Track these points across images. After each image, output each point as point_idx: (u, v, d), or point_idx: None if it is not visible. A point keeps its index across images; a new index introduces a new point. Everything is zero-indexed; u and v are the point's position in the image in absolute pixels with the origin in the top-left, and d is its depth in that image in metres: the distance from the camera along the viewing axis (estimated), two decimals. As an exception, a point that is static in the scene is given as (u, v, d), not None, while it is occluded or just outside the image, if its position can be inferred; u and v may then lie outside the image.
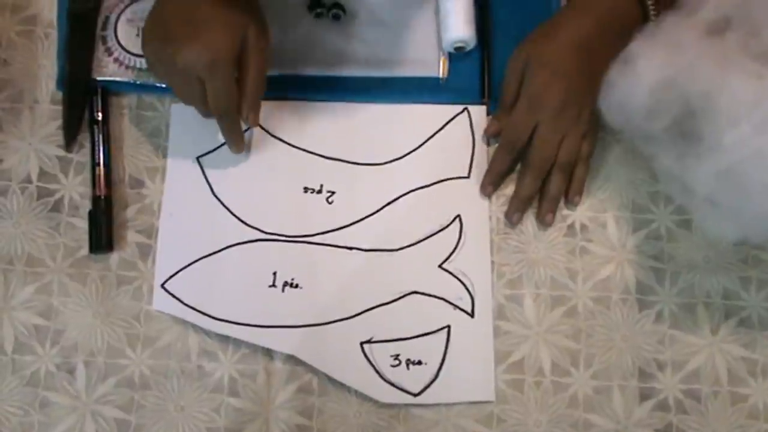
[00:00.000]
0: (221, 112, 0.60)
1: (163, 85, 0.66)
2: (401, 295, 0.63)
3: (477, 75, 0.67)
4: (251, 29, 0.58)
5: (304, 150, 0.66)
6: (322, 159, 0.66)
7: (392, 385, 0.61)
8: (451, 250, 0.64)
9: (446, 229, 0.64)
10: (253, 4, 0.59)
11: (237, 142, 0.63)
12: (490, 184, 0.65)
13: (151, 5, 0.59)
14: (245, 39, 0.57)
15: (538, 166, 0.63)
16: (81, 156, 0.66)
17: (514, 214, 0.64)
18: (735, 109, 0.53)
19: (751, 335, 0.62)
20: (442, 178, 0.65)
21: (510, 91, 0.63)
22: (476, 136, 0.66)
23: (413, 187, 0.65)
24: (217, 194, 0.65)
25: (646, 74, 0.56)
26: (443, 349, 0.62)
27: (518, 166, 0.65)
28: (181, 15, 0.56)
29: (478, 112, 0.67)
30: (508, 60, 0.64)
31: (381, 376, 0.61)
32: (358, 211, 0.65)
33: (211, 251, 0.64)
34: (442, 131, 0.67)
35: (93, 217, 0.63)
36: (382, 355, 0.62)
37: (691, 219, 0.64)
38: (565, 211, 0.65)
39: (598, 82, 0.58)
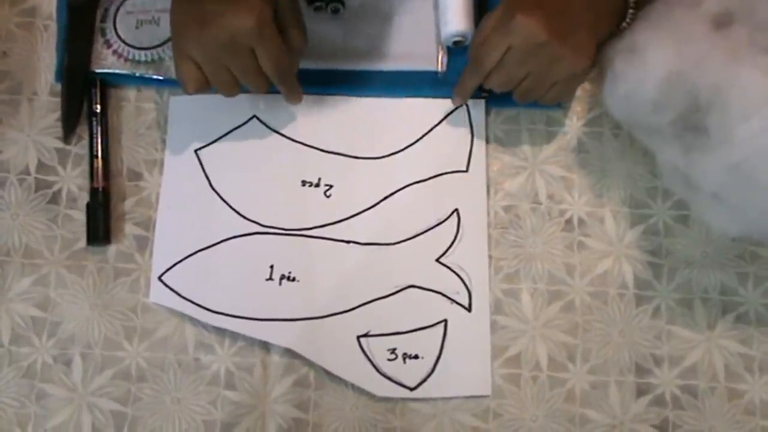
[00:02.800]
0: (282, 74, 0.59)
1: (161, 77, 0.66)
2: (398, 288, 0.63)
3: (476, 69, 0.67)
4: None
5: (302, 143, 0.66)
6: (321, 152, 0.66)
7: (389, 378, 0.61)
8: (448, 245, 0.64)
9: (444, 223, 0.64)
10: None
11: (298, 95, 0.63)
12: (458, 96, 0.64)
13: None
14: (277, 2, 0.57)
15: (493, 85, 0.61)
16: (79, 148, 0.66)
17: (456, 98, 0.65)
18: (746, 103, 0.52)
19: (748, 331, 0.62)
20: (440, 172, 0.65)
21: (483, 31, 0.59)
22: (474, 131, 0.66)
23: (411, 181, 0.65)
24: (215, 187, 0.65)
25: (655, 66, 0.56)
26: (440, 343, 0.62)
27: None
28: None
29: (477, 106, 0.67)
30: (485, 16, 0.60)
31: (377, 370, 0.61)
32: (355, 204, 0.65)
33: (209, 244, 0.64)
34: (441, 125, 0.67)
35: (90, 210, 0.63)
36: (378, 348, 0.62)
37: (689, 214, 0.64)
38: (563, 206, 0.65)
39: (581, 38, 0.57)
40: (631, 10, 0.60)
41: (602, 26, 0.60)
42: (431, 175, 0.65)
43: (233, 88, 0.59)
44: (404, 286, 0.63)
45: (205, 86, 0.59)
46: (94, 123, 0.65)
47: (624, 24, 0.60)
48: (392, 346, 0.62)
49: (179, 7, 0.58)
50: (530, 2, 0.57)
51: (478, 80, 0.61)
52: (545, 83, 0.59)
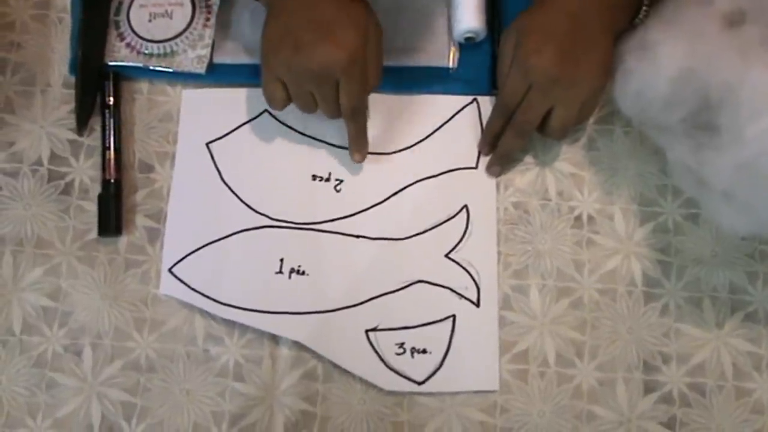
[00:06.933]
0: (355, 111, 0.60)
1: (173, 70, 0.66)
2: (407, 283, 0.63)
3: (487, 66, 0.67)
4: (371, 22, 0.58)
5: (313, 138, 0.66)
6: (331, 147, 0.66)
7: (396, 373, 0.61)
8: (457, 240, 0.64)
9: (453, 219, 0.64)
10: None
11: (364, 146, 0.64)
12: (486, 145, 0.65)
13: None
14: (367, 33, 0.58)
15: (518, 126, 0.62)
16: (92, 140, 0.66)
17: (491, 167, 0.65)
18: (757, 102, 0.52)
19: (756, 330, 0.62)
20: (450, 168, 0.66)
21: (505, 64, 0.62)
22: (485, 127, 0.66)
23: (421, 177, 0.65)
24: (225, 180, 0.65)
25: (667, 63, 0.56)
26: (448, 338, 0.62)
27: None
28: (307, 20, 0.56)
29: (488, 102, 0.67)
30: (502, 35, 0.63)
31: (385, 364, 0.61)
32: (365, 199, 0.65)
33: (219, 237, 0.64)
34: (451, 121, 0.67)
35: (102, 201, 0.64)
36: (387, 343, 0.62)
37: (699, 213, 0.64)
38: (573, 203, 0.65)
39: (595, 55, 0.58)
40: (645, 8, 0.60)
41: (618, 23, 0.60)
42: (441, 171, 0.66)
43: (313, 108, 0.61)
44: (413, 281, 0.63)
45: (288, 104, 0.61)
46: (107, 115, 0.66)
47: (637, 19, 0.60)
48: (400, 341, 0.62)
49: (274, 29, 0.58)
50: (540, 38, 0.59)
51: (503, 120, 0.63)
52: (574, 107, 0.60)
